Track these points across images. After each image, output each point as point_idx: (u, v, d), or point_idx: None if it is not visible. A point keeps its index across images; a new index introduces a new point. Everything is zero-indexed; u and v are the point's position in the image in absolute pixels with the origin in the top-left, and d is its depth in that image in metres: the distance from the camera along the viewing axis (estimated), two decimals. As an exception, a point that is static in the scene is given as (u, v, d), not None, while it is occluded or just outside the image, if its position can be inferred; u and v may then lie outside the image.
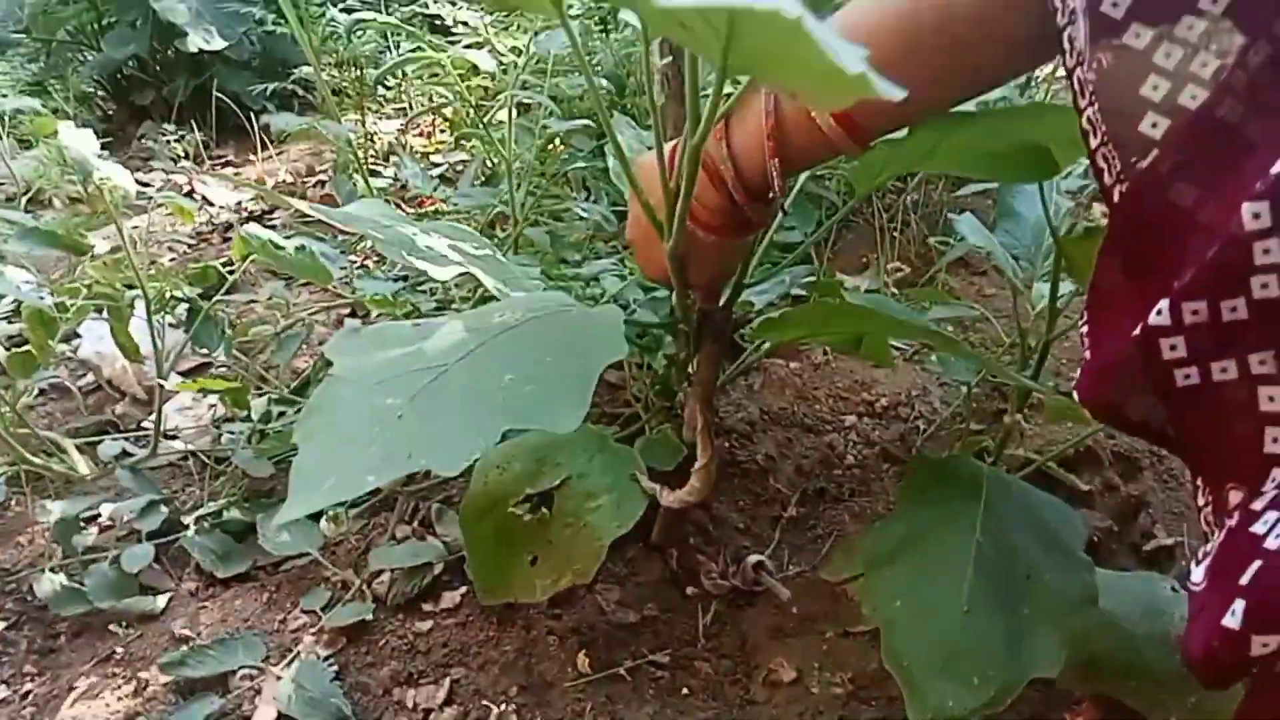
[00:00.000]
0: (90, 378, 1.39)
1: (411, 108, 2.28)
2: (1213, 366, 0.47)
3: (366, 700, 0.87)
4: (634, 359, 1.10)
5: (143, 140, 2.37)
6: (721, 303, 0.82)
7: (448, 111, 2.08)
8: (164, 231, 1.88)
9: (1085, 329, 0.57)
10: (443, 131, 2.24)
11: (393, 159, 2.04)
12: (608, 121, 0.66)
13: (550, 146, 1.56)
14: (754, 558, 1.02)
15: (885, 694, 0.88)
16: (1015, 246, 1.04)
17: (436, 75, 1.55)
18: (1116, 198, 0.52)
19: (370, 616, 0.94)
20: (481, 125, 1.25)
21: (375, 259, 1.65)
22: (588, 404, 0.50)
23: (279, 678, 0.87)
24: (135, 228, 1.69)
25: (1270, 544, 0.42)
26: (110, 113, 2.71)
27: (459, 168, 1.98)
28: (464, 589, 0.98)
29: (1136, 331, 0.48)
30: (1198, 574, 0.47)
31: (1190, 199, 0.49)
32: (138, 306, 1.12)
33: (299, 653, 0.90)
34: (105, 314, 1.14)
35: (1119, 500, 1.14)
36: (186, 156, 2.30)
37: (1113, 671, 0.82)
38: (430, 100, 1.96)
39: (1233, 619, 0.41)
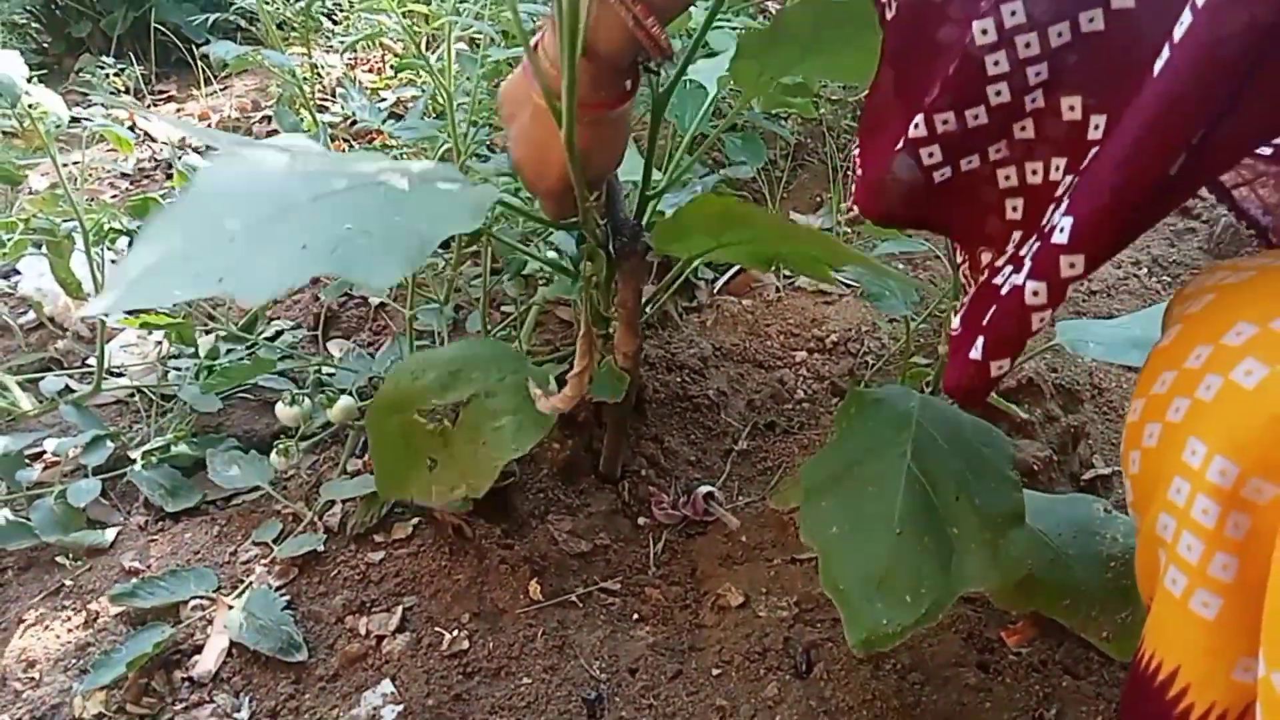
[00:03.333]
0: (31, 315, 1.36)
1: (358, 42, 2.23)
2: (960, 162, 0.57)
3: (319, 628, 0.88)
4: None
5: (80, 74, 2.29)
6: (624, 219, 0.82)
7: (398, 47, 2.03)
8: (104, 168, 1.83)
9: (857, 152, 0.64)
10: (392, 66, 2.19)
11: (339, 92, 1.99)
12: (524, 38, 0.65)
13: (498, 81, 1.53)
14: (704, 489, 1.04)
15: (829, 616, 0.91)
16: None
17: (383, 8, 1.51)
18: (889, 15, 0.59)
19: (322, 548, 0.94)
20: (423, 57, 1.23)
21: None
22: (415, 265, 0.50)
23: (230, 607, 0.87)
24: (76, 163, 1.64)
25: (1004, 291, 0.52)
26: (45, 45, 2.60)
27: (410, 103, 1.94)
28: (416, 520, 0.98)
29: (899, 146, 0.57)
30: (955, 322, 0.57)
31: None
32: (78, 241, 1.09)
33: (250, 583, 0.91)
34: (44, 249, 1.11)
35: (1059, 430, 1.17)
36: (127, 91, 2.23)
37: (1046, 591, 0.84)
38: (379, 31, 1.91)
39: (976, 351, 0.53)
